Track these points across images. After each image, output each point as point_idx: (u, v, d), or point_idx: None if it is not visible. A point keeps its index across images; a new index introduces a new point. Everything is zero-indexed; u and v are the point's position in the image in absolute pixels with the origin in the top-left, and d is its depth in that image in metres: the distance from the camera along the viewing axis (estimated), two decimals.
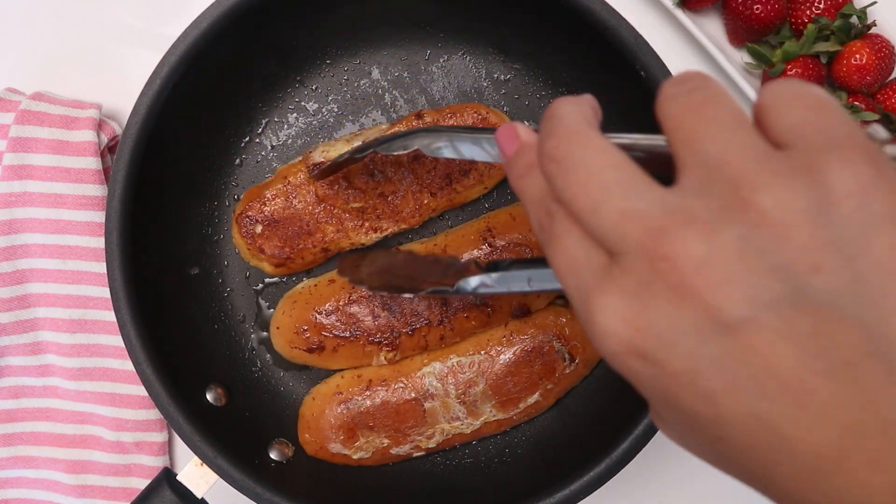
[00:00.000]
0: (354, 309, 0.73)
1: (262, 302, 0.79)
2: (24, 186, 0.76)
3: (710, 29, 0.81)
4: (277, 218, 0.74)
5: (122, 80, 0.84)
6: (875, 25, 0.77)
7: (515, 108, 0.78)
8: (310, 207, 0.74)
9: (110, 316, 0.79)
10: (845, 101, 0.76)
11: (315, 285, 0.75)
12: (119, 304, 0.67)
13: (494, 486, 0.75)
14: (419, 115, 0.75)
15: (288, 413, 0.78)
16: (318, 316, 0.74)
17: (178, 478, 0.67)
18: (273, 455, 0.74)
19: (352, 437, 0.73)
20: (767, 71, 0.77)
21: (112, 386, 0.81)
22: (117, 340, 0.80)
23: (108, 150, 0.81)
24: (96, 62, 0.85)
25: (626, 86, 0.69)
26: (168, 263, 0.75)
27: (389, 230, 0.75)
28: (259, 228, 0.75)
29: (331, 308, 0.73)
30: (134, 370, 0.79)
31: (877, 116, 0.76)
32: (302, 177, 0.75)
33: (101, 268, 0.78)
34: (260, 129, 0.79)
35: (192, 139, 0.75)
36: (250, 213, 0.75)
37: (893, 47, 0.76)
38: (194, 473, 0.67)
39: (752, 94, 0.78)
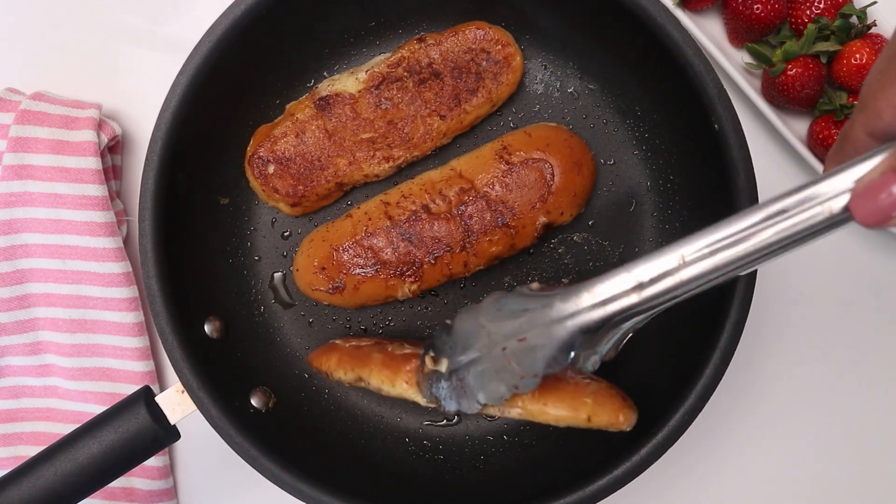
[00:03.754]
0: (373, 241, 0.73)
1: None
2: (24, 186, 0.76)
3: (710, 29, 0.82)
4: (288, 156, 0.75)
5: (122, 80, 0.85)
6: (875, 25, 0.77)
7: (580, 125, 0.78)
8: (320, 142, 0.75)
9: (110, 316, 0.79)
10: (845, 100, 0.76)
11: (332, 223, 0.76)
12: (144, 214, 0.67)
13: (489, 481, 0.76)
14: (421, 39, 0.75)
15: (278, 364, 0.78)
16: (335, 253, 0.73)
17: (157, 399, 0.67)
18: (254, 401, 0.73)
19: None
20: (768, 71, 0.77)
21: (112, 386, 0.81)
22: (117, 340, 0.80)
23: (108, 150, 0.81)
24: (96, 62, 0.85)
25: (698, 137, 0.68)
26: (201, 186, 0.75)
27: (402, 158, 0.75)
28: (272, 168, 0.75)
29: (348, 244, 0.73)
30: (133, 370, 0.80)
31: None
32: (309, 112, 0.75)
33: (101, 268, 0.78)
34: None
35: (252, 65, 0.75)
36: (261, 154, 0.75)
37: None
38: (173, 399, 0.67)
39: (752, 94, 0.78)
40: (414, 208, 0.73)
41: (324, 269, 0.73)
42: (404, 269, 0.72)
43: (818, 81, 0.76)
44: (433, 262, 0.72)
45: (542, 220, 0.73)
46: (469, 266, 0.74)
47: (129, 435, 0.64)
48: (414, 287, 0.73)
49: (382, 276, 0.73)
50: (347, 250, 0.73)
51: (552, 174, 0.72)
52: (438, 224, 0.72)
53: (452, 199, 0.72)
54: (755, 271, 0.65)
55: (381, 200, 0.74)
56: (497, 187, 0.72)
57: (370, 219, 0.73)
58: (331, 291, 0.74)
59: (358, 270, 0.73)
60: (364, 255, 0.73)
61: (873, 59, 0.75)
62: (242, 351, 0.76)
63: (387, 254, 0.73)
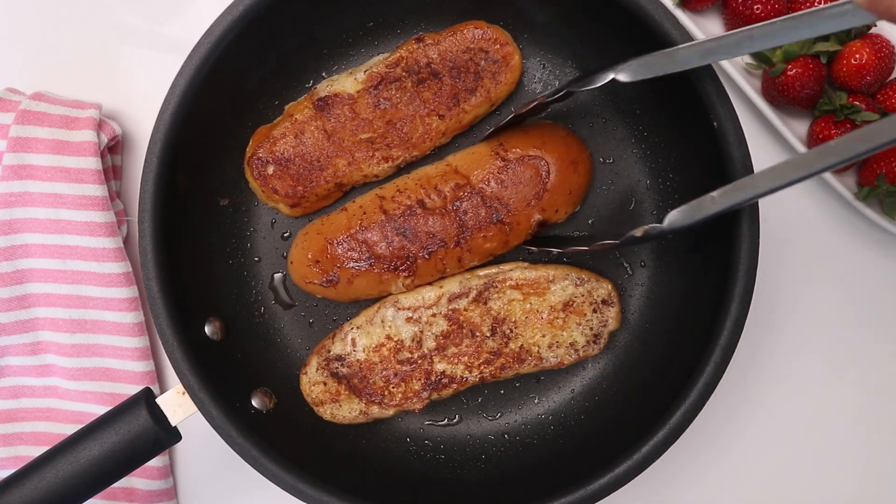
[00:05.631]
0: (367, 235, 0.73)
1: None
2: (24, 186, 0.76)
3: (710, 29, 0.81)
4: (288, 157, 0.75)
5: (122, 80, 0.84)
6: (875, 25, 0.77)
7: (579, 124, 0.78)
8: (319, 143, 0.75)
9: (110, 316, 0.79)
10: (845, 100, 0.76)
11: (327, 216, 0.76)
12: (144, 214, 0.67)
13: (490, 481, 0.76)
14: (419, 39, 0.75)
15: (279, 365, 0.78)
16: (330, 246, 0.73)
17: (157, 400, 0.67)
18: (255, 402, 0.74)
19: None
20: (768, 71, 0.77)
21: (112, 386, 0.81)
22: (117, 340, 0.80)
23: (108, 150, 0.81)
24: (96, 62, 0.85)
25: (697, 135, 0.68)
26: (201, 187, 0.75)
27: (401, 158, 0.76)
28: (271, 169, 0.75)
29: (343, 237, 0.73)
30: (133, 370, 0.80)
31: (877, 116, 0.76)
32: (308, 113, 0.75)
33: (101, 268, 0.78)
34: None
35: (251, 65, 0.75)
36: (260, 154, 0.75)
37: (893, 47, 0.76)
38: (174, 401, 0.67)
39: (752, 94, 0.78)
40: (409, 203, 0.73)
41: (318, 262, 0.74)
42: (398, 263, 0.73)
43: (818, 81, 0.76)
44: (427, 256, 0.72)
45: (537, 217, 0.73)
46: (463, 262, 0.74)
47: (131, 437, 0.64)
48: (407, 282, 0.73)
49: (376, 270, 0.73)
50: (342, 244, 0.73)
51: (548, 171, 0.72)
52: (433, 219, 0.72)
53: (448, 194, 0.73)
54: (754, 272, 0.66)
55: (377, 194, 0.74)
56: (492, 183, 0.72)
57: (365, 212, 0.73)
58: (324, 285, 0.74)
59: (352, 264, 0.73)
60: (358, 249, 0.73)
61: (873, 59, 0.75)
62: (243, 352, 0.76)
63: (381, 248, 0.73)
